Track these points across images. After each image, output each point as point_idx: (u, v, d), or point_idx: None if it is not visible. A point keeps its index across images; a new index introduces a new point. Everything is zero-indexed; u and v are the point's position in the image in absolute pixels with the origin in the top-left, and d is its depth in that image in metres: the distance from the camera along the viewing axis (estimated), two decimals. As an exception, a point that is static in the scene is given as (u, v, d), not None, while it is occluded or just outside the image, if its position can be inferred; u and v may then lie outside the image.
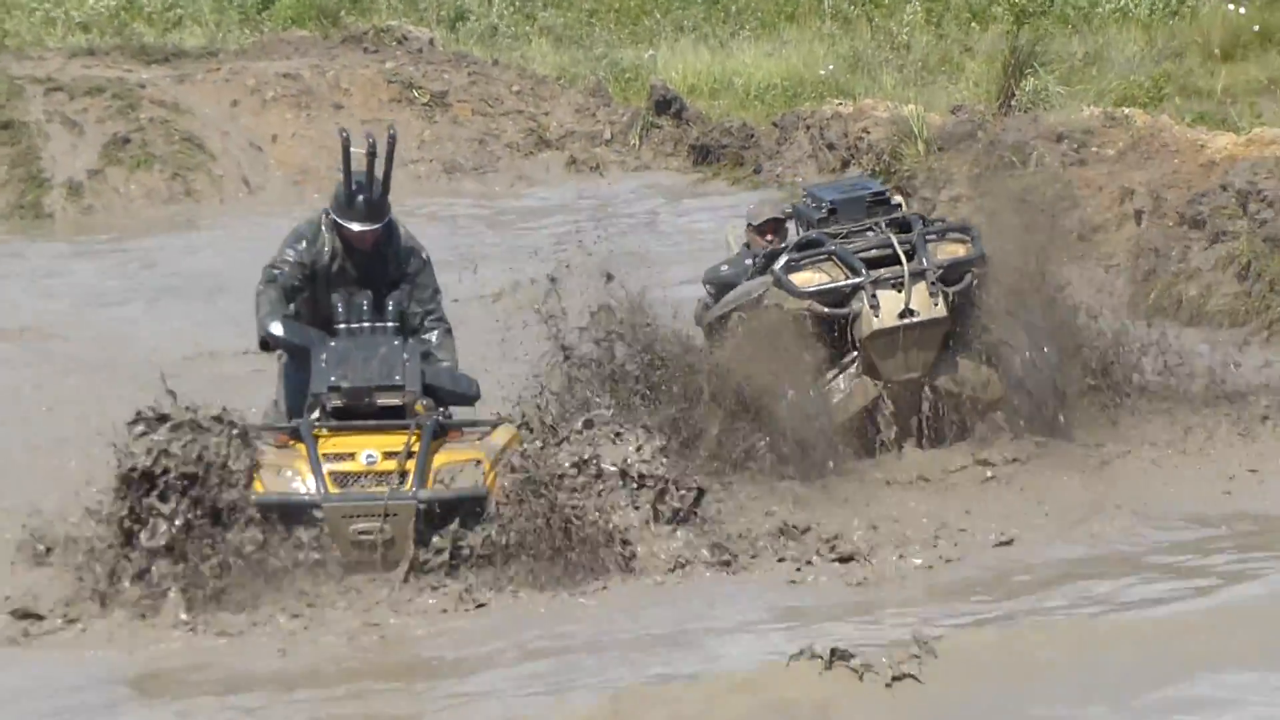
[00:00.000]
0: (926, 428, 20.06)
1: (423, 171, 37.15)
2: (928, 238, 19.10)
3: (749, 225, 20.69)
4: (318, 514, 15.17)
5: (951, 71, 38.53)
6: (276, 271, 16.25)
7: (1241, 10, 39.97)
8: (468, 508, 15.18)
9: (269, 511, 14.92)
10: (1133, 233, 29.55)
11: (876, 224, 19.28)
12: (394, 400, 15.22)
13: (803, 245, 19.17)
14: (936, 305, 18.64)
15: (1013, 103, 34.37)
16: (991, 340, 19.76)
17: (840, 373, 19.61)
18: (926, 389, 19.83)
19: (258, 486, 14.77)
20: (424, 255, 18.36)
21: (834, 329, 19.31)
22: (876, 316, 18.27)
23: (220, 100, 37.13)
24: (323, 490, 14.66)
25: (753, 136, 37.29)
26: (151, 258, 33.11)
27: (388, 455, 14.85)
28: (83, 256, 33.17)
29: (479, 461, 15.20)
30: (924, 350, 19.22)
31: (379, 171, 16.88)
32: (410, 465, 14.95)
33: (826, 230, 19.27)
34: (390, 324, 16.24)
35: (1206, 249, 27.16)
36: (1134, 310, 26.88)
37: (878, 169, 33.99)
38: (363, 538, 14.63)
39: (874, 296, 18.23)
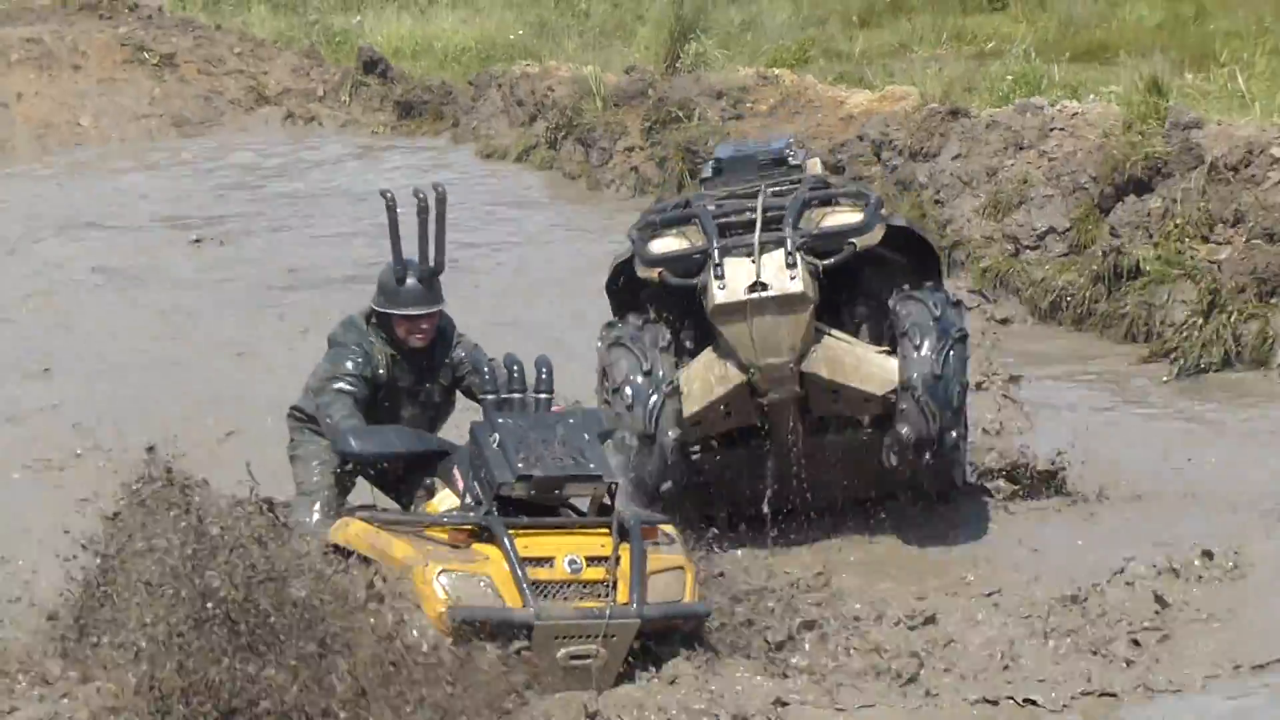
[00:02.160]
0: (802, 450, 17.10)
1: (154, 126, 38.38)
2: (810, 202, 16.54)
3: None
4: (523, 634, 11.73)
5: (625, 37, 39.72)
6: (340, 385, 13.44)
7: None
8: (686, 627, 12.26)
9: (466, 628, 11.54)
10: None
11: (763, 186, 16.70)
12: (588, 492, 12.21)
13: (677, 206, 17.38)
14: (794, 279, 15.98)
15: (678, 64, 35.88)
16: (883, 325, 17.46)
17: (696, 357, 17.28)
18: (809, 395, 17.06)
19: (439, 597, 11.55)
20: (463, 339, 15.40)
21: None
22: (721, 289, 15.98)
23: None
24: (533, 605, 11.45)
25: (451, 94, 39.34)
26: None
27: (592, 561, 11.77)
28: None
29: (682, 568, 12.20)
30: (784, 331, 16.44)
31: (432, 235, 14.15)
32: (621, 574, 11.76)
33: (709, 192, 17.18)
34: (545, 394, 13.18)
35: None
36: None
37: (561, 122, 35.87)
38: (576, 662, 11.51)
39: (719, 266, 15.92)
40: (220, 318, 28.11)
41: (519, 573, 11.56)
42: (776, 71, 34.44)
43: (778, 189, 17.11)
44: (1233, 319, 22.98)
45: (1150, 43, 32.64)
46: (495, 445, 12.06)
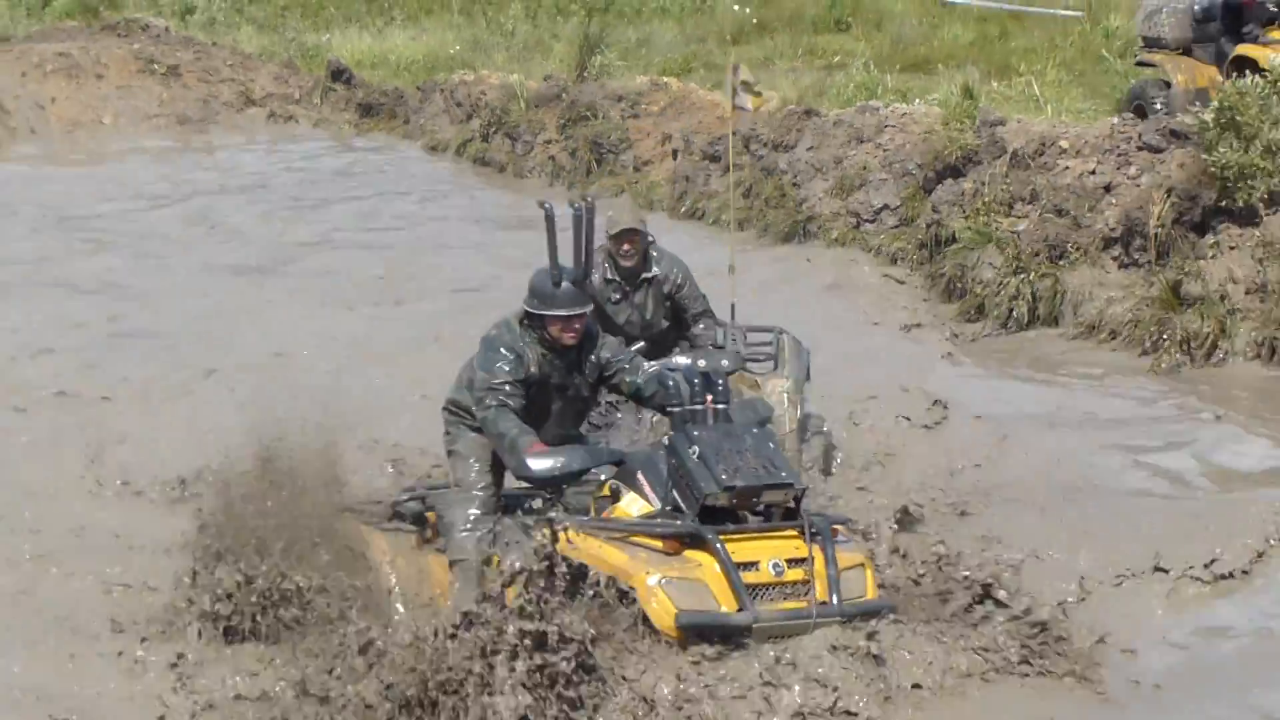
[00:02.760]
0: None
1: (161, 124, 38.37)
2: None
3: (607, 234, 15.56)
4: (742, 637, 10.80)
5: (544, 51, 39.70)
6: (501, 397, 11.96)
7: (747, 10, 40.94)
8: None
9: (689, 634, 10.64)
10: (671, 166, 31.54)
11: None
12: (780, 499, 11.18)
13: None
14: None
15: (586, 73, 35.80)
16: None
17: None
18: None
19: (666, 603, 10.58)
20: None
21: None
22: None
23: (13, 72, 38.55)
24: (750, 609, 10.54)
25: (402, 97, 39.30)
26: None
27: (791, 563, 10.90)
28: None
29: (863, 565, 11.41)
30: None
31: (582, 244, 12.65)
32: (818, 574, 10.92)
33: None
34: (722, 404, 11.86)
35: (721, 176, 28.50)
36: (673, 214, 29.89)
37: (491, 121, 36.12)
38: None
39: None
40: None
41: (735, 578, 10.63)
42: (666, 79, 34.60)
43: None
44: (1031, 278, 23.06)
45: (964, 57, 33.08)
46: (696, 457, 11.05)
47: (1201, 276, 21.22)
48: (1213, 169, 21.49)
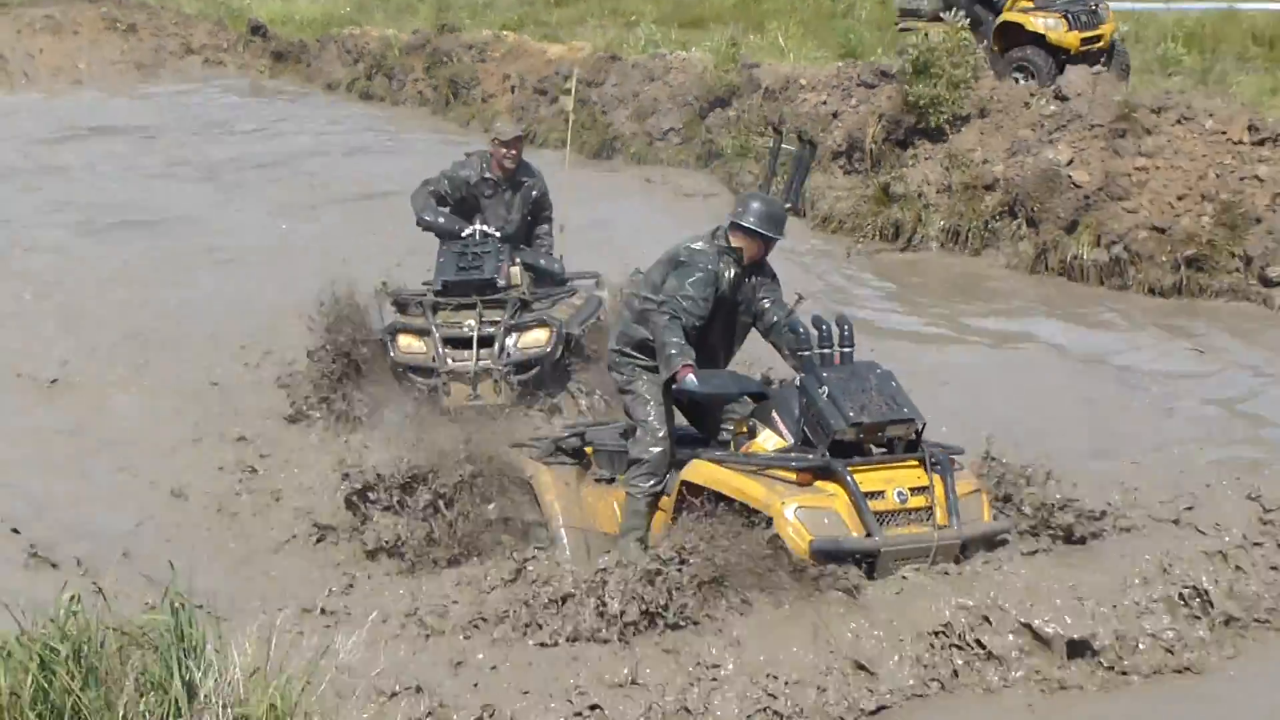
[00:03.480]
0: None
1: (123, 68, 38.29)
2: (510, 329, 14.39)
3: (495, 140, 14.71)
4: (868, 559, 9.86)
5: (412, 11, 39.48)
6: (679, 310, 10.39)
7: None
8: (992, 544, 10.31)
9: (821, 559, 9.67)
10: (510, 99, 31.35)
11: (484, 311, 14.34)
12: (902, 432, 10.15)
13: (416, 304, 14.65)
14: (500, 395, 14.48)
15: (445, 27, 35.36)
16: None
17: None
18: None
19: (801, 529, 9.61)
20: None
21: None
22: (448, 396, 14.15)
23: (9, 31, 38.59)
24: (878, 534, 9.63)
25: (305, 47, 38.96)
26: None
27: (914, 491, 9.91)
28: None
29: (979, 491, 10.37)
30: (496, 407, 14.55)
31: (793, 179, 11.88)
32: (939, 501, 9.93)
33: (438, 301, 14.36)
34: (848, 349, 10.56)
35: (550, 106, 29.39)
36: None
37: (374, 65, 36.05)
38: None
39: (447, 384, 14.18)
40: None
41: (863, 506, 9.65)
42: (505, 33, 34.28)
43: (490, 314, 14.40)
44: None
45: (729, 17, 32.86)
46: (826, 397, 9.98)
47: (904, 180, 21.75)
48: (911, 100, 22.02)
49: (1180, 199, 18.76)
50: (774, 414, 10.46)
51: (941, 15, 24.74)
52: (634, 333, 10.95)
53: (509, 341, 14.29)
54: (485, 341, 14.07)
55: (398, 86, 35.03)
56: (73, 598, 6.90)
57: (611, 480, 11.14)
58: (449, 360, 13.96)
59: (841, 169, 23.32)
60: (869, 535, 9.68)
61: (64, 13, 39.84)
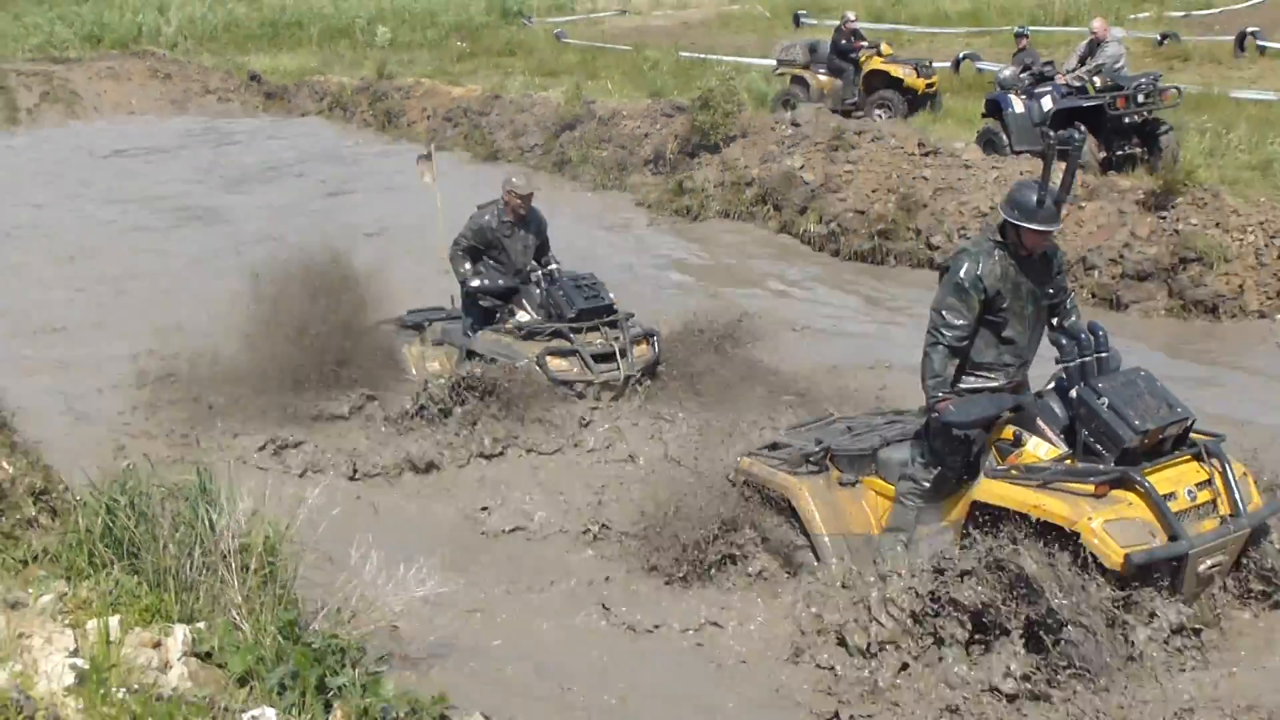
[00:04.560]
0: None
1: (162, 104, 37.10)
2: (634, 340, 12.54)
3: (511, 192, 12.70)
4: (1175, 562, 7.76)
5: (360, 64, 37.92)
6: (946, 335, 8.21)
7: (465, 45, 39.87)
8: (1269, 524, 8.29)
9: (1137, 571, 7.60)
10: (426, 124, 30.64)
11: (605, 330, 12.46)
12: (1178, 431, 8.13)
13: (554, 335, 12.36)
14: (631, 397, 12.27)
15: (382, 75, 34.42)
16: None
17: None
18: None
19: (1115, 544, 7.58)
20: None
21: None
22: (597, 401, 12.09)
23: (84, 77, 37.39)
24: (1186, 537, 7.66)
25: (287, 89, 37.55)
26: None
27: (1199, 486, 7.97)
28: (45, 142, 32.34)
29: (1246, 475, 8.26)
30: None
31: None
32: (1220, 494, 7.95)
33: (572, 327, 12.34)
34: (1104, 354, 8.37)
35: (453, 130, 29.11)
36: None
37: (333, 101, 34.99)
38: (1209, 571, 7.87)
39: (598, 392, 12.09)
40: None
41: (1166, 511, 7.68)
42: (424, 80, 33.59)
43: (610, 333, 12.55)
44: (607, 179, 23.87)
45: (575, 69, 32.35)
46: (1106, 407, 7.95)
47: (692, 178, 21.82)
48: (697, 124, 22.25)
49: (874, 191, 19.09)
50: (1039, 421, 8.24)
51: (809, 66, 24.75)
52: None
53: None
54: (611, 355, 12.39)
55: (350, 115, 34.21)
56: (128, 466, 7.62)
57: (855, 483, 8.96)
58: (601, 373, 12.20)
59: (650, 170, 23.37)
60: (1176, 538, 7.67)
61: (120, 64, 38.94)
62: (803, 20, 36.27)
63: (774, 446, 9.54)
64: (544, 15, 43.24)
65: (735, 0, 42.92)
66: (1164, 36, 27.22)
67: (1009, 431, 8.30)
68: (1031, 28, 24.70)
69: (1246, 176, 17.34)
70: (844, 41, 24.45)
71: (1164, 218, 15.81)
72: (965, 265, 8.08)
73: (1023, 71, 20.30)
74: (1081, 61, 19.58)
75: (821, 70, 24.22)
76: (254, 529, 6.91)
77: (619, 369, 12.22)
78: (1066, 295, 8.55)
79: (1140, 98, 18.58)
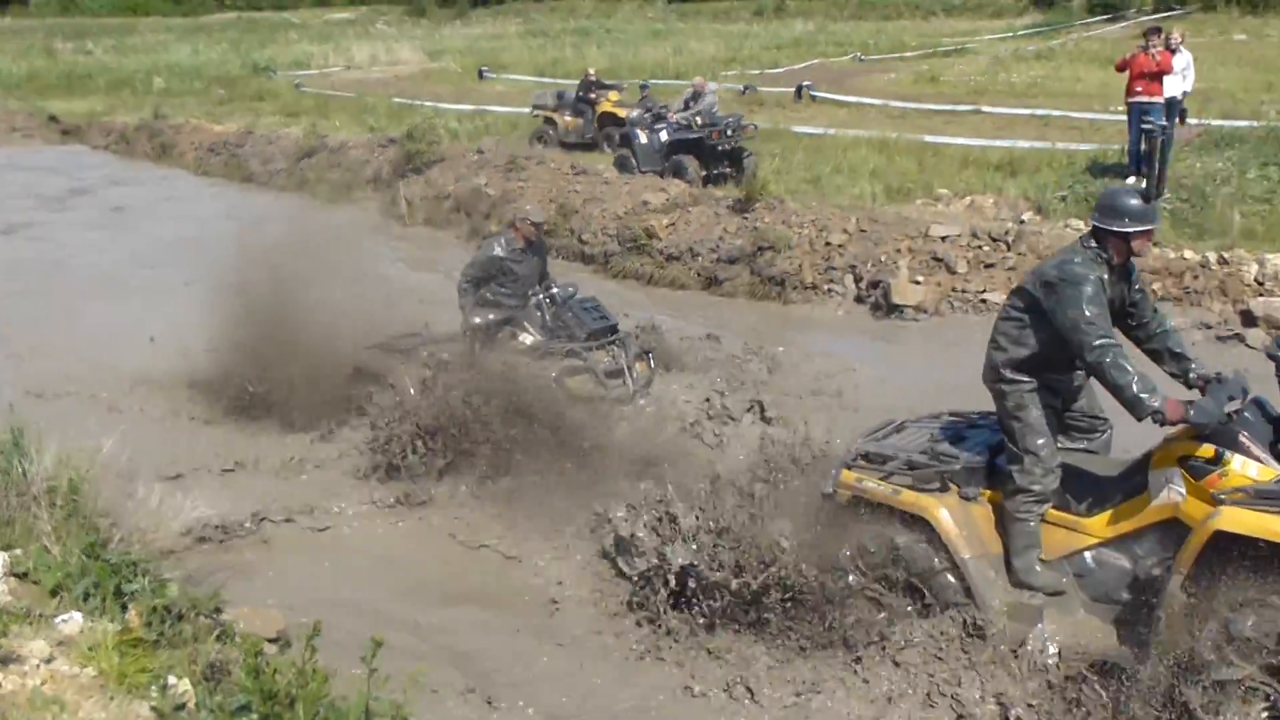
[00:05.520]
0: None
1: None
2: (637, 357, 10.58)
3: (525, 220, 10.72)
4: None
5: (142, 106, 36.02)
6: (1113, 340, 5.84)
7: (302, 87, 39.10)
8: None
9: None
10: (194, 155, 29.17)
11: (610, 349, 10.35)
12: None
13: (569, 354, 10.25)
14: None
15: (158, 116, 32.47)
16: None
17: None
18: None
19: None
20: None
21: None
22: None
23: None
24: None
25: (80, 127, 35.03)
26: None
27: None
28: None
29: None
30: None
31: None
32: None
33: (586, 346, 10.33)
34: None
35: (217, 157, 28.93)
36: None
37: (120, 135, 32.34)
38: None
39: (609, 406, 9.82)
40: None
41: None
42: (193, 120, 31.99)
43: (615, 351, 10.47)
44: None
45: (313, 112, 31.03)
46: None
47: (403, 193, 21.26)
48: (408, 151, 21.92)
49: (539, 202, 18.64)
50: (1242, 439, 5.73)
51: (557, 109, 23.99)
52: (1017, 353, 6.27)
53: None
54: (620, 372, 10.43)
55: (132, 148, 31.74)
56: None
57: (975, 498, 6.53)
58: (613, 389, 10.28)
59: (371, 188, 22.65)
60: None
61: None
62: (485, 74, 36.12)
63: (865, 457, 6.81)
64: (286, 69, 41.83)
65: (435, 59, 42.47)
66: (745, 88, 28.02)
67: (1207, 449, 5.75)
68: (652, 81, 25.00)
69: (803, 188, 17.90)
70: (587, 92, 23.92)
71: (746, 218, 16.09)
72: (1088, 274, 5.92)
73: (646, 113, 20.75)
74: (687, 106, 20.29)
75: (567, 112, 23.95)
76: (60, 473, 6.54)
77: (628, 385, 10.33)
78: (1146, 300, 6.34)
79: (729, 132, 19.33)
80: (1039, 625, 6.08)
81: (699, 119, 19.62)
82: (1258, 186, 15.73)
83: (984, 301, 13.27)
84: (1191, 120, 18.30)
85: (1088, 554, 6.17)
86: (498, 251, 10.60)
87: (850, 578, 6.50)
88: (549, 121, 23.87)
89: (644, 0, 61.46)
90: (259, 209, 21.49)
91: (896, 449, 6.78)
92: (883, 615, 6.45)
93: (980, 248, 13.96)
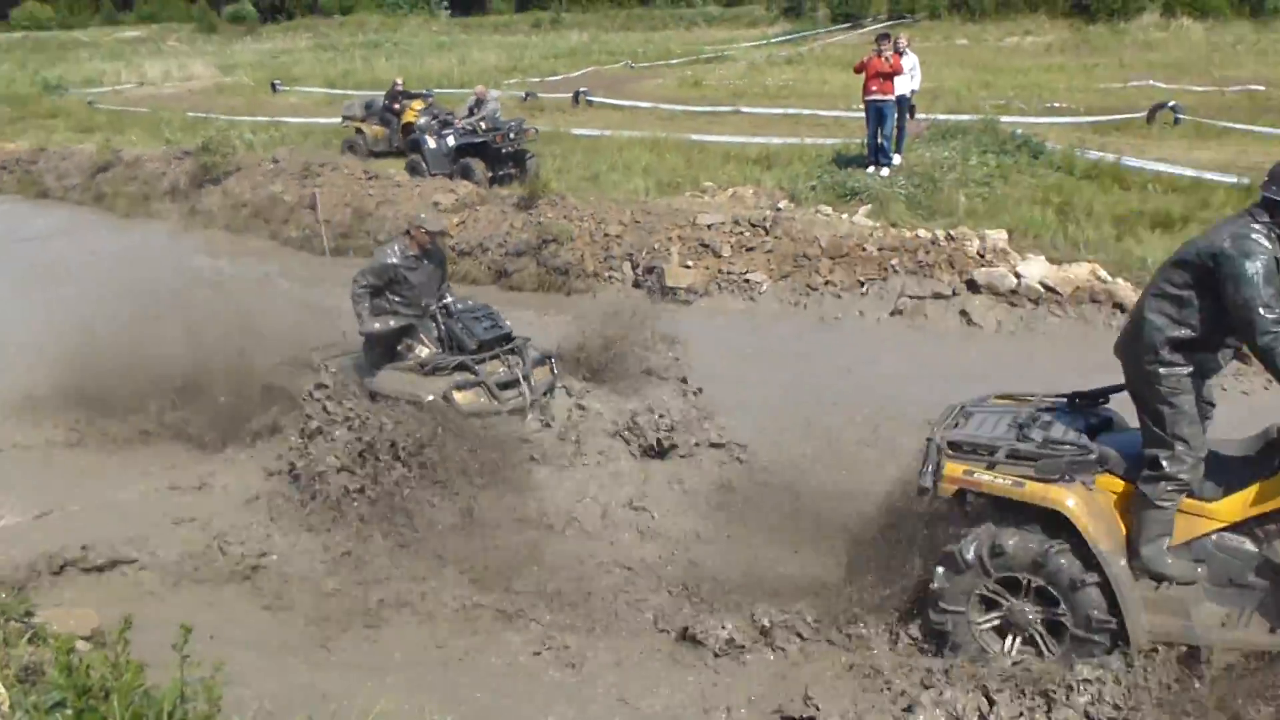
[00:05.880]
0: None
1: None
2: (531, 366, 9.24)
3: (421, 229, 9.21)
4: None
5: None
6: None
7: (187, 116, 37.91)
8: None
9: None
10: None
11: (505, 358, 9.10)
12: None
13: (459, 367, 8.92)
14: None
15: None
16: None
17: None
18: None
19: None
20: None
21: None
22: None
23: None
24: None
25: None
26: None
27: None
28: None
29: None
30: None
31: None
32: None
33: (474, 357, 8.97)
34: None
35: (8, 176, 26.91)
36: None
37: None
38: None
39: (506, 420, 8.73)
40: None
41: None
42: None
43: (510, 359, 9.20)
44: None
45: (108, 128, 29.46)
46: None
47: (206, 202, 20.50)
48: (203, 164, 21.08)
49: (335, 206, 18.43)
50: None
51: (365, 119, 23.09)
52: (1178, 333, 5.28)
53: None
54: (515, 382, 9.16)
55: None
56: None
57: (1090, 487, 5.62)
58: (508, 401, 9.02)
59: (169, 200, 21.59)
60: None
61: None
62: (278, 88, 34.88)
63: (957, 448, 5.83)
64: (78, 87, 39.29)
65: (228, 73, 40.68)
66: (527, 94, 27.96)
67: None
68: (437, 90, 24.66)
69: (583, 185, 17.89)
70: (393, 102, 23.05)
71: (531, 214, 16.01)
72: (1263, 249, 5.03)
73: (433, 119, 20.41)
74: (471, 112, 20.08)
75: (375, 121, 23.13)
76: None
77: (524, 395, 9.10)
78: None
79: (512, 135, 19.31)
80: (1187, 619, 5.33)
81: (483, 124, 19.52)
82: (978, 172, 16.63)
83: (747, 282, 13.55)
84: (921, 115, 19.20)
85: (1209, 539, 5.46)
86: (391, 259, 9.23)
87: (962, 577, 5.68)
88: (359, 131, 23.25)
89: (428, 14, 60.62)
90: (54, 224, 20.28)
91: (992, 439, 5.80)
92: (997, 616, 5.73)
93: (742, 233, 14.23)
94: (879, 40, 17.12)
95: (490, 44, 44.12)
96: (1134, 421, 5.66)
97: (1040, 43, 33.84)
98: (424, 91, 24.10)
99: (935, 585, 5.76)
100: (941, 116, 20.12)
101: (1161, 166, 16.53)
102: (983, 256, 12.66)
